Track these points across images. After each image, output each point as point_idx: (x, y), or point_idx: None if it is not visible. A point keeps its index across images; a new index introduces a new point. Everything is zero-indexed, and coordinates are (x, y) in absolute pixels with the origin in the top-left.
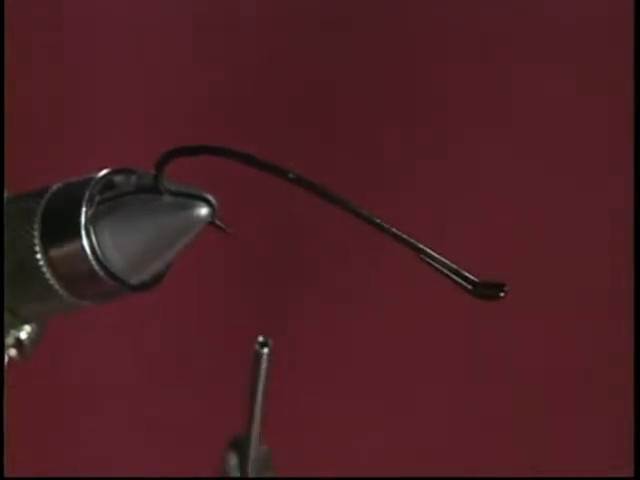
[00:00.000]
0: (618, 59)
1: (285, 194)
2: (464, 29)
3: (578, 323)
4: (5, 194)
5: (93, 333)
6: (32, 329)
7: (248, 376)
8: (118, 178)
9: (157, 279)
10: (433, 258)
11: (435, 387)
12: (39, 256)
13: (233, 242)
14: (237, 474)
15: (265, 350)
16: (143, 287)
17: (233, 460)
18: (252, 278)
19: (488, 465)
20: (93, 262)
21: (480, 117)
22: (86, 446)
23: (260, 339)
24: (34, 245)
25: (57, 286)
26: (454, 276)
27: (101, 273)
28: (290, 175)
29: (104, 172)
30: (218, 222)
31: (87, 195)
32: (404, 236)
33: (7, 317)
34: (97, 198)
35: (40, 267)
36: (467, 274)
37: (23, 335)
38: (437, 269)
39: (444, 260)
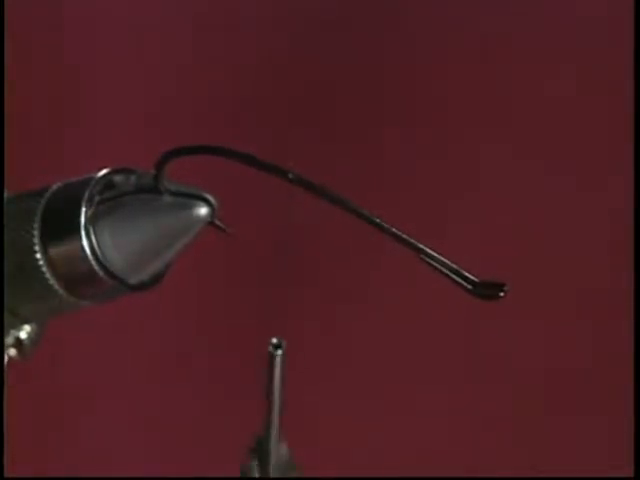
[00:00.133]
0: (618, 59)
1: (285, 194)
2: (464, 29)
3: (578, 323)
4: (5, 194)
5: (93, 333)
6: (32, 329)
7: (263, 378)
8: (118, 178)
9: (157, 279)
10: (433, 258)
11: (435, 387)
12: (39, 256)
13: (233, 242)
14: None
15: (279, 352)
16: (143, 287)
17: (255, 464)
18: (252, 278)
19: (488, 465)
20: (93, 262)
21: (480, 117)
22: (86, 446)
23: (274, 341)
24: (34, 245)
25: (57, 286)
26: (454, 276)
27: (101, 273)
28: (290, 175)
29: (104, 172)
30: (218, 222)
31: (87, 195)
32: (404, 236)
33: (7, 317)
34: (97, 198)
35: (40, 267)
36: (467, 274)
37: (23, 335)
38: (437, 269)
39: (444, 260)
